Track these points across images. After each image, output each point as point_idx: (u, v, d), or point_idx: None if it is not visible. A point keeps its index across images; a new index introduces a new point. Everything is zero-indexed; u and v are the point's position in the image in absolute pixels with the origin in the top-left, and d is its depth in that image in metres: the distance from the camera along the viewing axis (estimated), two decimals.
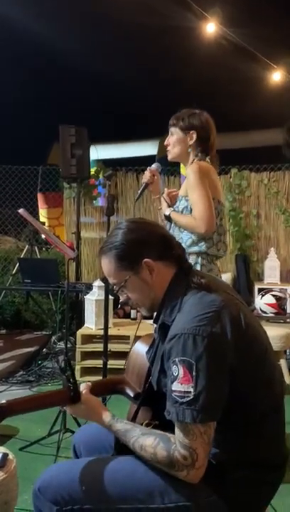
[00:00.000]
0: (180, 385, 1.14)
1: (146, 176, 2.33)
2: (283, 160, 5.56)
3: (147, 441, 1.19)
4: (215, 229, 2.17)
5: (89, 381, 1.41)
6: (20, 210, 2.65)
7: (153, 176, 2.32)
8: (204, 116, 2.28)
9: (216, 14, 4.72)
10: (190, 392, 1.12)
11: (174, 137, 2.30)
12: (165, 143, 2.35)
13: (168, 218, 2.28)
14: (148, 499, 1.19)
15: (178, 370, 1.15)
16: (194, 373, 1.13)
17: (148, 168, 2.35)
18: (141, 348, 1.50)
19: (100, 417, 1.30)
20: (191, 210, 2.20)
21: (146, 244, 1.30)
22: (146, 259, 1.28)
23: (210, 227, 2.13)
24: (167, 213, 2.28)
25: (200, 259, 2.21)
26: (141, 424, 1.31)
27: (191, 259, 2.19)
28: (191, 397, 1.12)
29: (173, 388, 1.15)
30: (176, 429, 1.15)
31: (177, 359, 1.15)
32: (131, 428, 1.24)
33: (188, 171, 2.22)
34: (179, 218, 2.23)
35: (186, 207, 2.23)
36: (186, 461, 1.13)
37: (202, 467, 1.14)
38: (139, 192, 2.34)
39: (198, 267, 2.19)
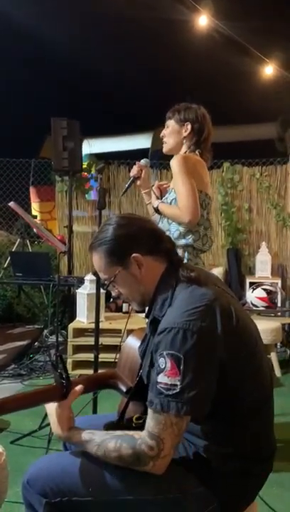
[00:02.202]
0: (167, 377, 1.14)
1: (134, 171, 2.36)
2: (275, 154, 5.57)
3: (108, 446, 1.19)
4: (199, 219, 2.17)
5: (80, 374, 1.41)
6: (11, 203, 2.65)
7: (140, 171, 2.35)
8: (201, 111, 2.30)
9: (208, 7, 4.70)
10: (176, 385, 1.13)
11: (169, 129, 2.33)
12: (161, 135, 2.38)
13: (157, 210, 2.29)
14: (136, 490, 1.20)
15: (165, 362, 1.15)
16: (181, 367, 1.13)
17: (137, 162, 2.39)
18: (133, 342, 1.50)
19: (62, 428, 1.29)
20: None
21: (135, 239, 1.31)
22: (134, 254, 1.29)
23: (193, 216, 2.13)
24: (155, 205, 2.30)
25: (186, 254, 2.22)
26: (132, 418, 1.32)
27: (179, 253, 2.20)
28: (177, 390, 1.13)
29: (159, 380, 1.16)
30: (148, 418, 1.16)
31: (165, 352, 1.16)
32: (89, 438, 1.23)
33: (172, 163, 2.23)
34: (166, 209, 2.24)
35: (175, 198, 2.23)
36: (152, 451, 1.14)
37: (167, 456, 1.15)
38: (126, 185, 2.37)
39: (185, 261, 2.17)
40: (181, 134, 2.29)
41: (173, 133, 2.31)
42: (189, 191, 2.13)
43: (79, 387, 1.33)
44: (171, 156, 2.30)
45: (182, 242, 2.21)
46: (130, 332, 1.58)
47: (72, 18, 5.84)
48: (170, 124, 2.32)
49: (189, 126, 2.27)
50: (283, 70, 5.46)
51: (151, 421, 1.16)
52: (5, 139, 6.43)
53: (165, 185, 2.41)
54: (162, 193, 2.38)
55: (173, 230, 2.23)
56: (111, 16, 5.33)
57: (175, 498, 1.19)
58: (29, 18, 5.37)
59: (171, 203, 2.24)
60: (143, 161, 2.38)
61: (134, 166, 2.38)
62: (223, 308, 1.21)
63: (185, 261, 2.19)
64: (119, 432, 1.22)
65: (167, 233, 2.19)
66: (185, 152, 2.29)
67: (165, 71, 6.42)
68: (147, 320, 1.37)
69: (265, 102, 5.91)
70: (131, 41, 5.95)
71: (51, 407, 1.31)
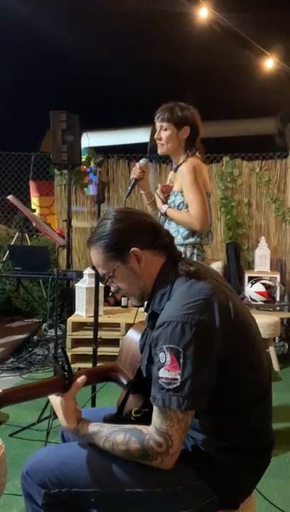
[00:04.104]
0: (167, 372, 1.15)
1: (136, 172, 2.33)
2: (275, 149, 5.55)
3: (117, 439, 1.19)
4: (208, 226, 2.28)
5: (79, 368, 1.41)
6: (10, 197, 2.64)
7: (142, 172, 2.33)
8: (195, 111, 2.32)
9: None
10: (176, 379, 1.13)
11: (167, 132, 2.30)
12: (156, 137, 2.34)
13: (164, 215, 2.34)
14: (135, 483, 1.21)
15: (165, 357, 1.15)
16: (181, 361, 1.13)
17: (137, 164, 2.36)
18: (134, 336, 1.50)
19: (69, 420, 1.29)
20: (187, 205, 2.29)
21: (133, 233, 1.30)
22: (133, 249, 1.28)
23: (204, 225, 2.25)
24: (163, 210, 2.33)
25: (195, 250, 2.32)
26: (131, 411, 1.32)
27: (188, 250, 2.30)
28: (178, 384, 1.13)
29: (160, 375, 1.16)
30: (154, 415, 1.16)
31: (164, 346, 1.16)
32: (97, 430, 1.24)
33: (183, 171, 2.27)
34: (175, 215, 2.30)
35: (182, 202, 2.29)
36: (161, 448, 1.14)
37: (176, 453, 1.15)
38: (129, 188, 2.36)
39: (195, 257, 2.29)
40: (180, 138, 2.30)
41: (171, 137, 2.29)
42: (200, 202, 2.23)
43: (81, 379, 1.32)
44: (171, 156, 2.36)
45: (191, 240, 2.30)
46: (130, 326, 1.58)
47: (71, 12, 5.80)
48: (167, 126, 2.28)
49: (188, 130, 2.29)
50: (283, 63, 5.43)
51: (157, 418, 1.16)
52: (5, 132, 6.40)
53: (165, 188, 2.41)
54: (165, 194, 2.39)
55: (181, 230, 2.30)
56: (111, 9, 5.29)
57: (175, 491, 1.20)
58: (28, 12, 5.33)
59: (179, 207, 2.29)
60: (142, 161, 2.35)
61: (134, 168, 2.35)
62: (221, 302, 1.21)
63: (195, 257, 2.29)
64: (128, 426, 1.22)
65: (175, 234, 2.25)
66: (186, 153, 2.30)
67: (165, 64, 6.39)
68: (146, 314, 1.37)
69: (265, 97, 5.89)
70: (130, 34, 5.91)
71: (56, 401, 1.31)
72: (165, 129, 2.30)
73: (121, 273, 1.31)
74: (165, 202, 2.35)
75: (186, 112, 2.30)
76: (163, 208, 2.33)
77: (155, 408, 1.17)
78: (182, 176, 2.27)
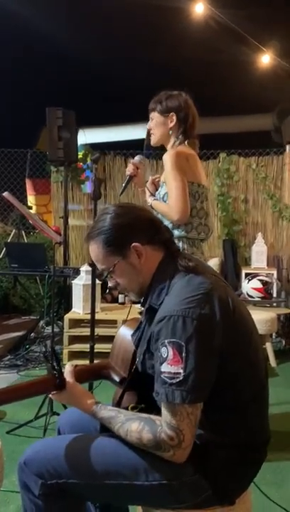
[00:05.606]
0: (170, 366, 1.14)
1: (130, 169, 2.30)
2: (271, 145, 5.55)
3: (132, 426, 1.19)
4: (187, 216, 2.15)
5: (76, 365, 1.41)
6: (5, 194, 2.63)
7: (136, 169, 2.29)
8: (182, 97, 2.26)
9: None
10: (179, 373, 1.13)
11: (154, 121, 2.29)
12: (147, 127, 2.34)
13: (151, 207, 2.27)
14: (132, 476, 1.21)
15: (167, 351, 1.15)
16: (183, 355, 1.13)
17: (131, 161, 2.33)
18: (125, 333, 1.50)
19: (84, 405, 1.30)
20: None
21: (134, 228, 1.30)
22: (134, 244, 1.28)
23: (181, 216, 2.12)
24: (149, 203, 2.27)
25: (181, 244, 2.20)
26: (127, 408, 1.32)
27: None
28: (181, 378, 1.13)
29: (162, 370, 1.15)
30: (163, 410, 1.16)
31: (166, 341, 1.16)
32: (115, 415, 1.24)
33: (164, 158, 2.19)
34: (157, 206, 2.22)
35: (167, 193, 2.21)
36: (173, 441, 1.14)
37: (188, 447, 1.15)
38: (124, 185, 2.32)
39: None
40: (167, 125, 2.25)
41: (158, 125, 2.27)
42: (179, 189, 2.11)
43: (68, 371, 1.34)
44: (165, 146, 2.29)
45: (175, 233, 2.19)
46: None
47: (68, 8, 5.77)
48: (155, 116, 2.27)
49: (174, 117, 2.23)
50: (280, 59, 5.42)
51: (166, 412, 1.15)
52: (2, 129, 6.37)
53: (157, 179, 2.37)
54: (156, 188, 2.35)
55: (166, 222, 2.19)
56: (108, 5, 5.27)
57: (171, 485, 1.20)
58: (25, 9, 5.30)
59: (164, 198, 2.22)
60: (137, 158, 2.32)
61: (129, 165, 2.32)
62: (221, 296, 1.21)
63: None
64: (143, 414, 1.22)
65: None
66: (174, 143, 2.26)
67: (162, 60, 6.37)
68: (143, 308, 1.36)
69: (262, 93, 5.88)
70: (127, 30, 5.89)
71: (61, 396, 1.32)
72: (152, 119, 2.30)
73: (121, 268, 1.30)
74: (153, 194, 2.30)
75: (173, 99, 2.25)
76: (149, 200, 2.27)
77: (162, 403, 1.17)
78: (164, 164, 2.20)
